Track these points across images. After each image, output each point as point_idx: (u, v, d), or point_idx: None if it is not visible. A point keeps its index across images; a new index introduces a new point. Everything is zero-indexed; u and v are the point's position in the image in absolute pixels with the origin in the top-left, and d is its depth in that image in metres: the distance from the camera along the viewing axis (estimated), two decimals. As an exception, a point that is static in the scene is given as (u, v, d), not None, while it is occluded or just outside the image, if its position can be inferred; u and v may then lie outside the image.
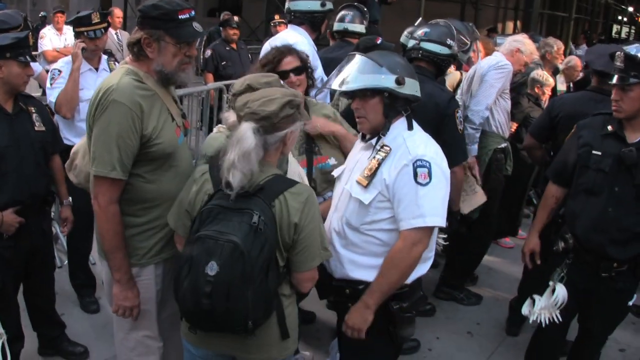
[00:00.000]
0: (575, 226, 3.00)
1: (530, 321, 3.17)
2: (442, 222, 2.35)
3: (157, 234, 2.52)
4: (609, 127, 2.91)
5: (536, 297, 3.12)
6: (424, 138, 2.44)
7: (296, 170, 2.60)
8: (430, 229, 2.36)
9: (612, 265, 2.91)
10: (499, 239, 5.62)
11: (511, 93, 4.64)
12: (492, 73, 4.22)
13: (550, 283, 3.07)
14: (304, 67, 2.94)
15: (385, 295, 2.39)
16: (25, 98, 3.19)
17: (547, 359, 3.42)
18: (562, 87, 6.31)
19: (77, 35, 3.97)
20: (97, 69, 4.05)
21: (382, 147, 2.40)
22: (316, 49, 4.14)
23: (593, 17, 23.45)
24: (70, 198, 3.44)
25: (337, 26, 4.73)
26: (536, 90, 5.31)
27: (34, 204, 3.11)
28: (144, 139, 2.38)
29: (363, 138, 2.54)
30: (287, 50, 2.95)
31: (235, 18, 8.22)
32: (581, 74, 6.24)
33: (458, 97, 4.40)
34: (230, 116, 2.38)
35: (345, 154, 2.99)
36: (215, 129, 2.81)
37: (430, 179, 2.30)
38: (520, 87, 5.33)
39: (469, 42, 4.10)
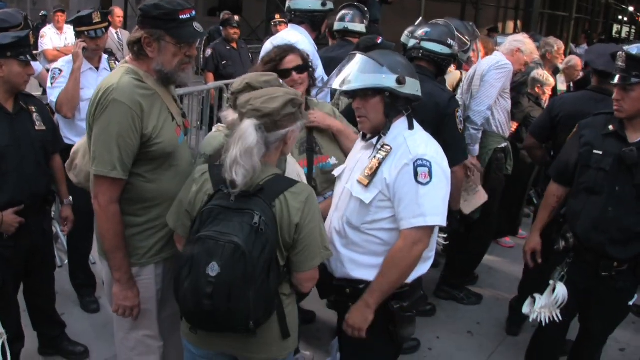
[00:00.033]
0: (576, 225, 3.00)
1: (531, 320, 3.17)
2: (442, 221, 2.35)
3: (158, 234, 2.51)
4: (610, 127, 2.91)
5: (537, 296, 3.12)
6: (425, 137, 2.44)
7: (295, 169, 2.60)
8: (430, 229, 2.36)
9: (612, 265, 2.92)
10: (499, 238, 5.62)
11: (511, 93, 4.63)
12: (493, 73, 4.22)
13: (551, 282, 3.07)
14: (306, 66, 2.95)
15: (386, 295, 2.39)
16: (25, 97, 3.19)
17: (547, 359, 3.43)
18: (562, 86, 6.31)
19: (78, 34, 3.97)
20: (97, 68, 4.05)
21: (382, 146, 2.40)
22: (316, 48, 4.14)
23: (593, 16, 23.45)
24: (70, 197, 3.44)
25: (337, 25, 4.73)
26: (536, 89, 5.31)
27: (34, 204, 3.11)
28: (144, 138, 2.37)
29: (364, 137, 2.54)
30: (289, 48, 2.96)
31: (236, 17, 8.21)
32: (581, 74, 6.24)
33: (458, 96, 4.40)
34: (229, 115, 2.38)
35: (343, 150, 3.00)
36: (214, 128, 2.82)
37: (431, 178, 2.30)
38: (521, 86, 5.33)
39: (469, 42, 4.11)
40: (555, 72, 6.00)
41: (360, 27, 4.71)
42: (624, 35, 28.41)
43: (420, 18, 4.84)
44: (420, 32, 3.60)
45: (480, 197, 4.21)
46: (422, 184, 2.29)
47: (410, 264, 2.36)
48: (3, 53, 2.94)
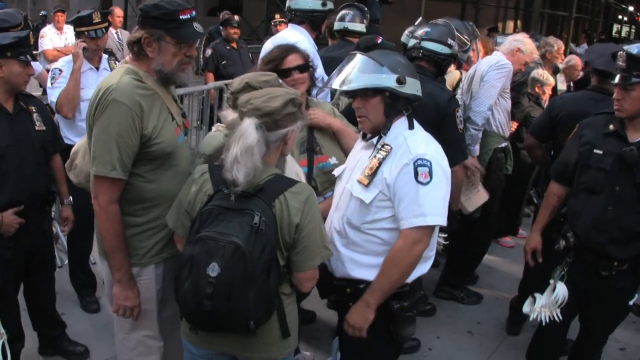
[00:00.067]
0: (576, 225, 3.00)
1: (531, 319, 3.18)
2: (443, 221, 2.35)
3: (158, 234, 2.51)
4: (611, 126, 2.91)
5: (537, 295, 3.12)
6: (425, 137, 2.44)
7: (293, 169, 2.59)
8: (431, 228, 2.36)
9: (612, 264, 2.92)
10: (500, 238, 5.62)
11: (511, 92, 4.63)
12: (493, 73, 4.21)
13: (551, 281, 3.07)
14: (307, 66, 2.95)
15: (386, 294, 2.39)
16: (25, 97, 3.18)
17: (547, 358, 3.43)
18: (562, 86, 6.31)
19: (78, 35, 3.97)
20: (98, 69, 4.05)
21: (383, 146, 2.40)
22: (316, 48, 4.14)
23: (593, 16, 23.45)
24: (70, 197, 3.44)
25: (337, 25, 4.73)
26: (536, 89, 5.31)
27: (34, 204, 3.10)
28: (144, 138, 2.37)
29: (364, 137, 2.54)
30: (291, 48, 2.96)
31: (236, 17, 8.21)
32: (581, 74, 6.24)
33: (458, 96, 4.40)
34: (228, 114, 2.38)
35: (343, 149, 3.00)
36: (213, 128, 2.82)
37: (431, 178, 2.30)
38: (521, 86, 5.33)
39: (468, 42, 4.11)
40: (555, 71, 6.00)
41: (360, 27, 4.71)
42: (623, 34, 28.44)
43: (420, 18, 4.84)
44: (420, 31, 3.60)
45: (481, 196, 4.21)
46: (422, 183, 2.29)
47: (410, 263, 2.36)
48: (3, 53, 2.94)
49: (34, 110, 3.17)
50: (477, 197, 4.19)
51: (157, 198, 2.47)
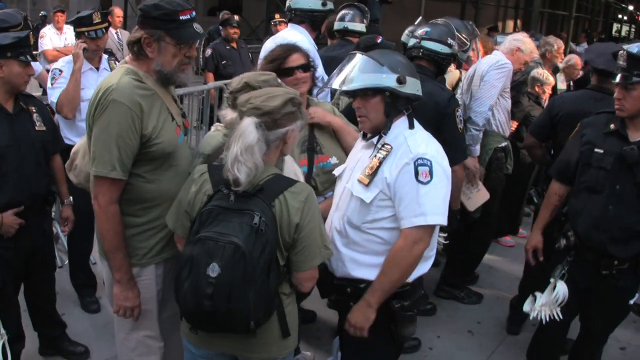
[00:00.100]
0: (577, 224, 3.00)
1: (531, 318, 3.18)
2: (443, 220, 2.35)
3: (158, 234, 2.51)
4: (612, 126, 2.92)
5: (537, 294, 3.12)
6: (425, 137, 2.44)
7: (292, 169, 2.59)
8: (431, 228, 2.36)
9: (613, 263, 2.92)
10: (500, 237, 5.62)
11: (511, 92, 4.63)
12: (493, 73, 4.21)
13: (552, 280, 3.07)
14: (309, 65, 2.95)
15: (387, 294, 2.39)
16: (25, 98, 3.18)
17: (547, 358, 3.43)
18: (562, 85, 6.31)
19: (78, 35, 3.97)
20: (98, 69, 4.05)
21: (383, 145, 2.40)
22: (316, 48, 4.14)
23: (593, 15, 23.46)
24: (71, 198, 3.44)
25: (337, 25, 4.73)
26: (536, 88, 5.31)
27: (34, 204, 3.10)
28: (143, 138, 2.37)
29: (364, 137, 2.54)
30: (294, 47, 2.97)
31: (236, 17, 8.21)
32: (581, 73, 6.25)
33: (458, 96, 4.40)
34: (227, 114, 2.38)
35: (344, 147, 3.00)
36: (212, 128, 2.82)
37: (432, 177, 2.30)
38: (521, 85, 5.33)
39: (468, 42, 4.10)
40: (555, 71, 6.00)
41: (360, 27, 4.71)
42: (623, 34, 28.45)
43: (420, 17, 4.84)
44: (420, 31, 3.60)
45: (481, 195, 4.21)
46: (422, 183, 2.29)
47: (411, 263, 2.36)
48: (3, 53, 2.93)
49: (34, 110, 3.17)
50: (477, 197, 4.20)
51: (157, 198, 2.47)
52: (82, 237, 4.01)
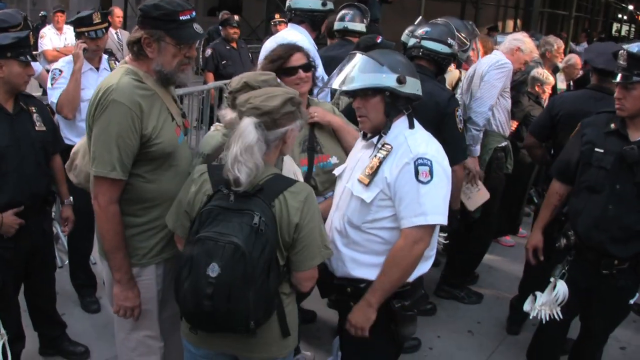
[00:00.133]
0: (577, 223, 3.00)
1: (531, 317, 3.18)
2: (443, 220, 2.35)
3: (158, 234, 2.51)
4: (612, 125, 2.92)
5: (538, 293, 3.12)
6: (425, 136, 2.44)
7: (291, 169, 2.60)
8: (431, 227, 2.36)
9: (613, 263, 2.92)
10: (500, 237, 5.62)
11: (511, 92, 4.63)
12: (493, 73, 4.21)
13: (552, 279, 3.07)
14: (311, 65, 2.96)
15: (388, 294, 2.39)
16: (25, 98, 3.18)
17: (547, 358, 3.43)
18: (562, 85, 6.31)
19: (78, 35, 3.97)
20: (98, 69, 4.05)
21: (383, 145, 2.40)
22: (316, 47, 4.14)
23: (593, 15, 23.47)
24: (71, 198, 3.44)
25: (337, 25, 4.73)
26: (536, 88, 5.31)
27: (34, 204, 3.10)
28: (143, 138, 2.37)
29: (364, 137, 2.54)
30: (296, 47, 2.98)
31: (236, 17, 8.21)
32: (581, 72, 6.25)
33: (457, 96, 4.40)
34: (227, 114, 2.38)
35: (344, 146, 3.00)
36: (212, 127, 2.82)
37: (432, 177, 2.30)
38: (521, 85, 5.33)
39: (468, 41, 4.10)
40: (555, 70, 6.00)
41: (360, 27, 4.71)
42: (623, 33, 28.46)
43: (420, 17, 4.84)
44: (420, 31, 3.60)
45: (482, 195, 4.21)
46: (423, 182, 2.29)
47: (411, 262, 2.36)
48: (3, 53, 2.93)
49: (34, 110, 3.17)
50: (477, 196, 4.19)
51: (157, 198, 2.47)
52: (82, 237, 4.01)
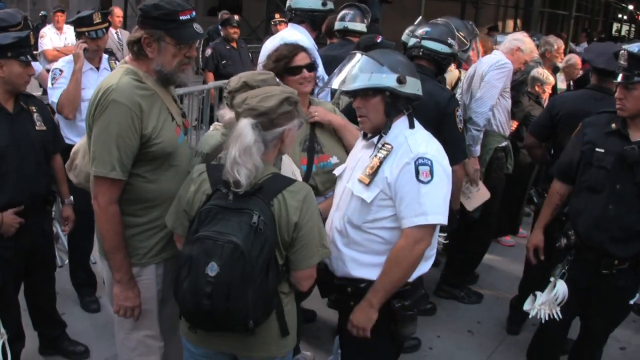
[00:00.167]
0: (577, 223, 3.00)
1: (530, 316, 3.18)
2: (444, 220, 2.35)
3: (158, 234, 2.51)
4: (613, 125, 2.92)
5: (538, 293, 3.13)
6: (426, 136, 2.44)
7: (290, 168, 2.60)
8: (432, 227, 2.36)
9: (613, 263, 2.92)
10: (500, 237, 5.62)
11: (511, 92, 4.63)
12: (493, 73, 4.21)
13: (552, 279, 3.08)
14: (314, 65, 2.96)
15: (389, 294, 2.39)
16: (26, 97, 3.18)
17: (547, 358, 3.43)
18: (562, 85, 6.32)
19: (79, 35, 3.97)
20: (98, 69, 4.05)
21: (383, 145, 2.40)
22: (316, 47, 4.14)
23: (593, 15, 23.47)
24: (71, 197, 3.44)
25: (337, 25, 4.74)
26: (536, 88, 5.31)
27: (34, 204, 3.10)
28: (143, 138, 2.37)
29: (365, 137, 2.54)
30: (300, 46, 2.99)
31: (236, 17, 8.22)
32: (581, 72, 6.25)
33: (457, 95, 4.40)
34: (226, 113, 2.38)
35: (345, 145, 3.00)
36: (212, 127, 2.82)
37: (432, 177, 2.30)
38: (521, 85, 5.33)
39: (468, 41, 4.10)
40: (555, 70, 6.00)
41: (360, 27, 4.72)
42: (623, 33, 28.47)
43: (420, 17, 4.84)
44: (420, 31, 3.60)
45: (481, 195, 4.21)
46: (423, 182, 2.29)
47: (412, 262, 2.36)
48: (4, 53, 2.93)
49: (35, 110, 3.17)
50: (478, 196, 4.19)
51: (157, 198, 2.47)
52: (82, 237, 4.01)
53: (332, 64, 3.33)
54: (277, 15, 9.52)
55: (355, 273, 2.46)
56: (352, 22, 4.71)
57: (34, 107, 3.18)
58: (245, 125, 2.07)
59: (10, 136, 3.00)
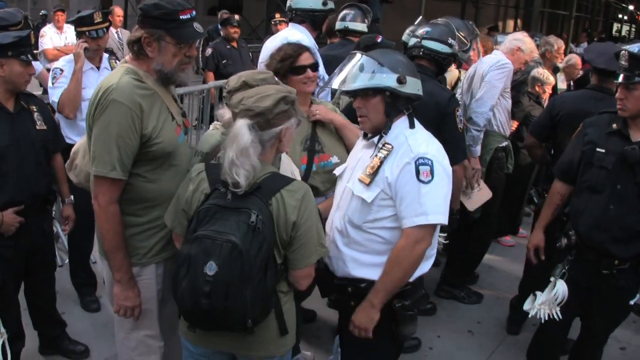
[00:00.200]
0: (578, 223, 3.00)
1: (530, 316, 3.18)
2: (444, 220, 2.35)
3: (158, 234, 2.51)
4: (614, 125, 2.92)
5: (538, 293, 3.13)
6: (426, 136, 2.44)
7: (289, 168, 2.60)
8: (432, 227, 2.36)
9: (613, 263, 2.92)
10: (500, 237, 5.62)
11: (512, 92, 4.63)
12: (493, 73, 4.21)
13: (552, 279, 3.08)
14: (317, 65, 2.97)
15: (390, 294, 2.39)
16: (26, 97, 3.18)
17: (547, 358, 3.43)
18: (562, 85, 6.31)
19: (79, 34, 3.97)
20: (99, 68, 4.05)
21: (384, 145, 2.40)
22: (317, 47, 4.14)
23: (593, 15, 23.47)
24: (72, 197, 3.44)
25: (338, 25, 4.74)
26: (537, 88, 5.31)
27: (34, 204, 3.10)
28: (144, 138, 2.37)
29: (365, 136, 2.54)
30: (304, 46, 3.00)
31: (236, 16, 8.21)
32: (581, 72, 6.24)
33: (457, 95, 4.40)
34: (225, 113, 2.38)
35: (347, 144, 3.00)
36: (211, 126, 2.82)
37: (433, 176, 2.30)
38: (521, 85, 5.33)
39: (468, 41, 4.10)
40: (555, 70, 6.00)
41: (361, 27, 4.72)
42: (624, 33, 28.47)
43: (420, 17, 4.84)
44: (421, 30, 3.60)
45: (483, 194, 4.21)
46: (423, 182, 2.29)
47: (413, 262, 2.36)
48: (4, 52, 2.93)
49: (35, 109, 3.17)
50: (479, 196, 4.19)
51: (158, 198, 2.47)
52: (82, 236, 4.01)
53: (333, 64, 3.33)
54: (277, 15, 9.52)
55: (355, 273, 2.46)
56: (353, 22, 4.71)
57: (34, 107, 3.18)
58: (242, 126, 2.07)
59: (11, 135, 3.00)
